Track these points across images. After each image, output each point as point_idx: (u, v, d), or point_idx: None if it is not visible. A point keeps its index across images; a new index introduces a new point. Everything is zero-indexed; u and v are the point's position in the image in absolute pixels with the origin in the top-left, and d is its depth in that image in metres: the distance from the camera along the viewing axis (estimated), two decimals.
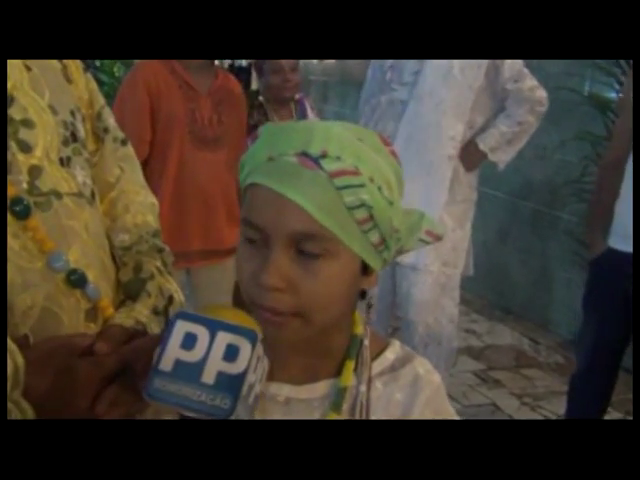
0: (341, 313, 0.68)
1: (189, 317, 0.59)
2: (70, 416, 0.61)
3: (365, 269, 0.67)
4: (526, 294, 3.89)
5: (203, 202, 2.11)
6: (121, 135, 0.89)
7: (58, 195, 0.71)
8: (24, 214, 0.67)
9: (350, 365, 0.71)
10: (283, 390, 0.71)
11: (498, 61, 2.21)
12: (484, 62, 2.21)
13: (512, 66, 2.22)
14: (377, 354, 0.73)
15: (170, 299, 0.83)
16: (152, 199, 0.92)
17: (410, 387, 0.71)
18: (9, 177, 0.67)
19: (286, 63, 2.51)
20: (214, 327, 0.58)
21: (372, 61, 2.53)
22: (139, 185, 0.89)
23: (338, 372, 0.71)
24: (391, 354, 0.74)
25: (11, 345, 0.61)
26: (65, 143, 0.74)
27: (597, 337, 2.14)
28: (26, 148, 0.68)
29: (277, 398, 0.71)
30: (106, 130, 0.86)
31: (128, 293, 0.81)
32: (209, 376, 0.56)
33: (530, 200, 3.84)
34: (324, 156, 0.61)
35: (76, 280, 0.71)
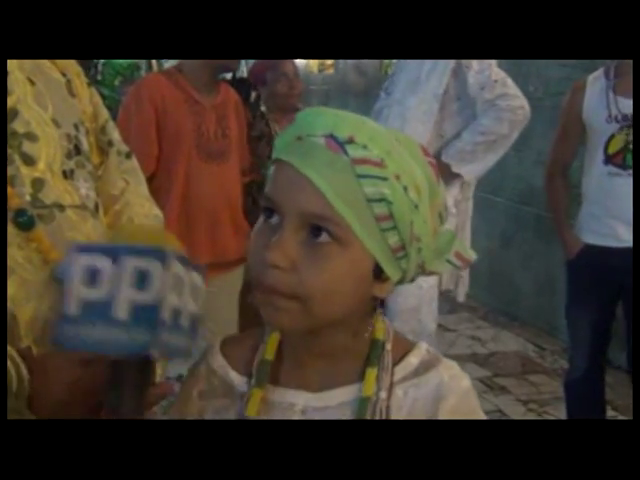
0: (344, 311, 0.65)
1: (86, 249, 0.52)
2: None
3: (380, 274, 0.64)
4: (530, 300, 3.88)
5: (210, 215, 2.12)
6: (125, 148, 0.89)
7: (61, 207, 0.71)
8: (28, 225, 0.67)
9: (372, 373, 0.68)
10: (300, 398, 0.69)
11: (464, 67, 2.12)
12: (448, 68, 2.14)
13: (478, 73, 2.12)
14: (400, 358, 0.70)
15: None
16: (156, 211, 0.92)
17: (433, 395, 0.67)
18: (13, 190, 0.67)
19: (290, 70, 2.51)
20: (116, 253, 0.51)
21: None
22: (143, 197, 0.90)
23: (356, 378, 0.69)
24: (415, 358, 0.70)
25: (16, 357, 0.61)
26: (68, 156, 0.74)
27: (593, 332, 2.20)
28: (29, 161, 0.69)
29: (294, 407, 0.69)
30: (110, 143, 0.86)
31: None
32: (121, 310, 0.50)
33: (532, 205, 3.84)
34: (350, 142, 0.60)
35: None
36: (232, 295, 2.29)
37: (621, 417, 2.65)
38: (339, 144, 0.60)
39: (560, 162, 2.29)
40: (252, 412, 0.68)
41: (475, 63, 2.14)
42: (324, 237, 0.60)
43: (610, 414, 2.52)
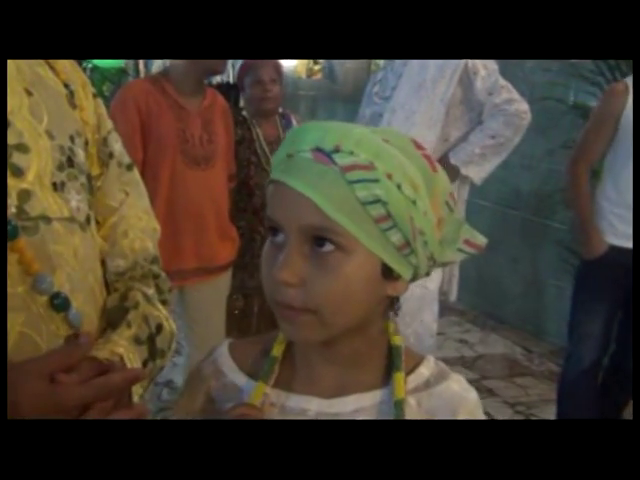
0: (360, 316, 0.66)
1: None
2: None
3: (390, 273, 0.65)
4: (518, 303, 3.91)
5: (195, 221, 2.12)
6: (127, 160, 0.88)
7: (47, 220, 0.70)
8: (11, 235, 0.66)
9: (400, 376, 0.68)
10: (312, 404, 0.69)
11: (472, 73, 2.17)
12: (456, 74, 2.18)
13: (486, 78, 2.18)
14: (411, 369, 0.71)
15: (158, 327, 0.81)
16: (154, 225, 0.91)
17: (447, 406, 0.69)
18: None
19: (266, 74, 2.51)
20: None
21: (371, 75, 2.55)
22: (142, 211, 0.89)
23: (369, 386, 0.69)
24: (426, 370, 0.71)
25: None
26: (60, 168, 0.73)
27: (603, 330, 2.22)
28: (18, 172, 0.69)
29: (307, 413, 0.69)
30: (111, 155, 0.85)
31: (110, 321, 0.79)
32: None
33: (519, 209, 3.87)
34: (337, 151, 0.61)
35: (59, 304, 0.70)
36: (219, 300, 2.29)
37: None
38: (326, 155, 0.61)
39: (586, 160, 2.29)
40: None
41: (481, 68, 2.18)
42: (328, 247, 0.62)
43: None
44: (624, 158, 2.20)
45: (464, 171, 2.27)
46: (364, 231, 0.61)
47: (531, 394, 2.78)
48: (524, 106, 2.23)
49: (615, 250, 2.23)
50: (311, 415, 0.69)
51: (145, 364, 0.77)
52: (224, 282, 2.30)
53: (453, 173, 2.27)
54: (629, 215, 2.18)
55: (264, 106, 2.53)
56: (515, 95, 2.23)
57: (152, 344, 0.79)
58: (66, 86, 0.79)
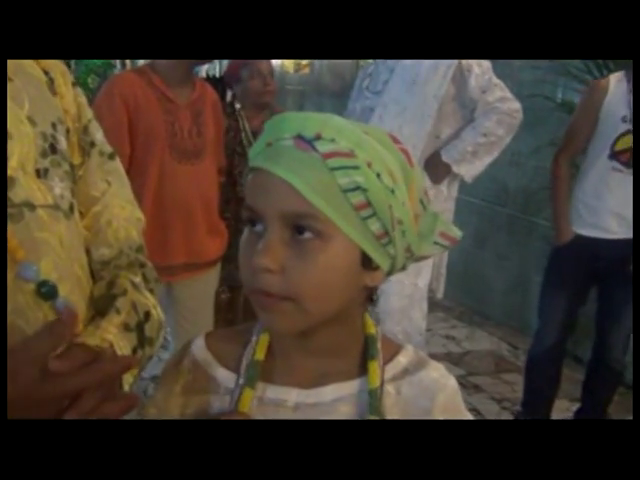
0: (339, 305, 0.66)
1: None
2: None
3: (369, 263, 0.65)
4: (504, 299, 3.93)
5: (184, 215, 2.09)
6: (109, 149, 0.88)
7: (31, 207, 0.70)
8: None
9: (375, 365, 0.69)
10: (291, 395, 0.69)
11: (466, 70, 2.18)
12: (450, 71, 2.18)
13: (480, 76, 2.19)
14: (389, 358, 0.71)
15: (147, 315, 0.81)
16: (139, 214, 0.90)
17: (426, 393, 0.69)
18: None
19: (265, 67, 2.51)
20: None
21: (360, 69, 2.54)
22: (125, 200, 0.88)
23: (347, 376, 0.70)
24: (404, 358, 0.72)
25: None
26: (43, 155, 0.73)
27: (565, 312, 2.43)
28: None
29: (286, 404, 0.69)
30: (92, 144, 0.85)
31: (98, 309, 0.79)
32: None
33: (506, 206, 3.88)
34: (318, 138, 0.61)
35: (46, 292, 0.69)
36: (208, 295, 2.28)
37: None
38: (307, 142, 0.61)
39: (569, 151, 2.44)
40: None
41: (475, 66, 2.18)
42: (307, 234, 0.61)
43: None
44: (598, 150, 2.32)
45: (455, 169, 2.27)
46: (344, 219, 0.62)
47: (517, 390, 2.80)
48: (516, 105, 2.25)
49: (581, 239, 2.35)
50: (290, 405, 0.69)
51: (135, 351, 0.77)
52: (213, 277, 2.29)
53: (445, 171, 2.28)
54: (597, 205, 2.31)
55: (263, 99, 2.53)
56: (507, 94, 2.24)
57: (141, 332, 0.79)
58: (46, 73, 0.78)
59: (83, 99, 0.85)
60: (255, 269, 0.62)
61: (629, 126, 2.23)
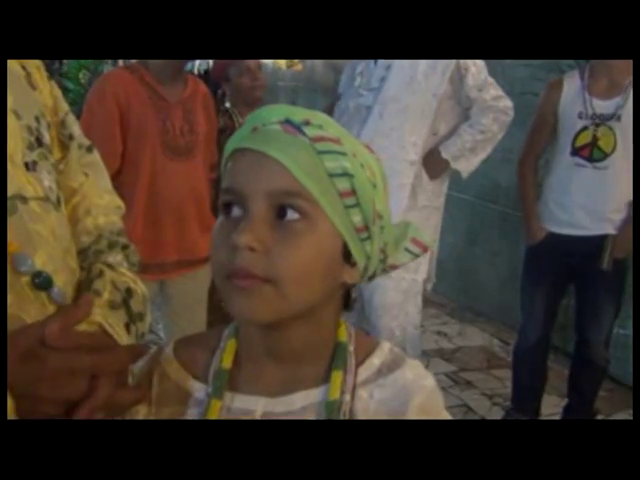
0: (317, 296, 0.64)
1: None
2: (32, 405, 0.61)
3: (348, 257, 0.65)
4: (495, 296, 3.94)
5: (177, 213, 2.09)
6: (86, 142, 0.88)
7: (23, 199, 0.70)
8: None
9: (338, 375, 0.66)
10: (259, 404, 0.67)
11: (462, 69, 2.22)
12: (448, 69, 2.21)
13: (476, 75, 2.23)
14: (364, 358, 0.69)
15: (128, 291, 0.80)
16: (118, 202, 0.90)
17: (400, 396, 0.66)
18: None
19: (253, 63, 2.51)
20: None
21: (346, 67, 2.54)
22: (103, 190, 0.88)
23: (318, 382, 0.67)
24: (377, 359, 0.68)
25: None
26: (30, 148, 0.73)
27: (545, 309, 2.48)
28: None
29: (254, 413, 0.67)
30: (71, 137, 0.85)
31: (79, 295, 0.78)
32: None
33: (498, 203, 3.90)
34: (307, 124, 0.62)
35: (41, 283, 0.69)
36: (201, 293, 2.28)
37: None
38: (295, 127, 0.62)
39: (533, 152, 2.50)
40: None
41: (472, 65, 2.23)
42: (292, 215, 0.61)
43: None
44: (561, 148, 2.37)
45: (454, 165, 2.32)
46: (329, 203, 0.61)
47: (509, 386, 2.81)
48: (509, 102, 2.31)
49: (554, 237, 2.40)
50: (257, 416, 0.66)
51: (128, 328, 0.76)
52: (206, 274, 2.28)
53: (443, 167, 2.32)
54: (566, 201, 2.34)
55: (254, 94, 2.54)
56: (500, 92, 2.30)
57: (128, 307, 0.78)
58: (23, 68, 0.78)
59: (58, 92, 0.85)
60: (237, 247, 0.59)
61: (586, 122, 2.29)
